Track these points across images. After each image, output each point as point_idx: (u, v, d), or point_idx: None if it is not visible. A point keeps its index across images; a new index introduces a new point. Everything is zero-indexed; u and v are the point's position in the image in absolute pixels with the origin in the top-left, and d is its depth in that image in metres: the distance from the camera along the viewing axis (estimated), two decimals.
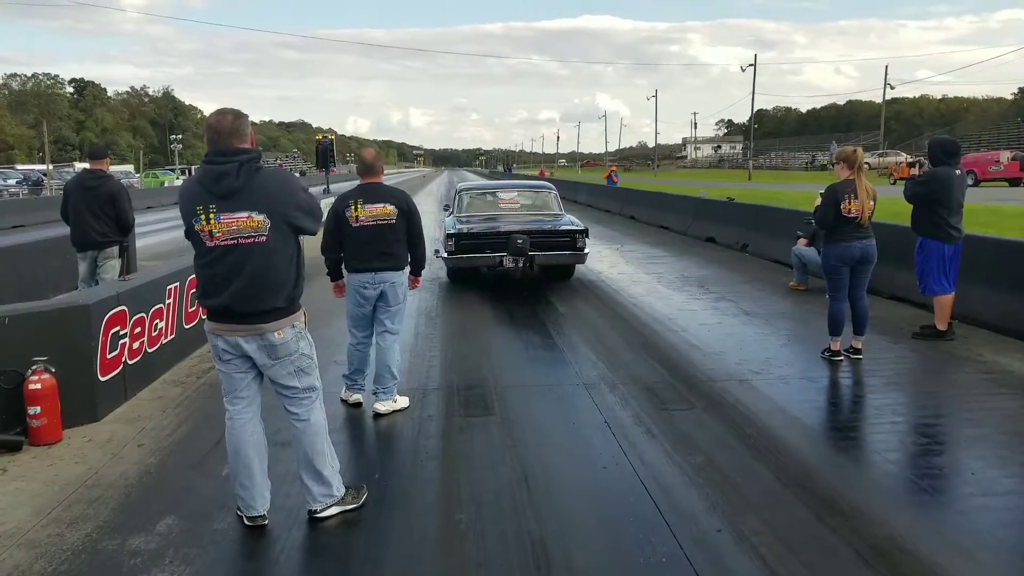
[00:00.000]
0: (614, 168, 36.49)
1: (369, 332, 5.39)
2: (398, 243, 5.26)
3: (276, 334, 3.51)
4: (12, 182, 36.83)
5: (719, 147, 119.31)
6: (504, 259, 9.67)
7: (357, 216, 5.14)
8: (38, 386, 4.66)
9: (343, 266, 5.38)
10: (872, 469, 4.37)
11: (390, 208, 5.19)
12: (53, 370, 4.76)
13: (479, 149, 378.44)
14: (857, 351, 6.48)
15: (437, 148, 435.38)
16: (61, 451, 4.65)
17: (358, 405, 5.43)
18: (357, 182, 5.34)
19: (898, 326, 7.55)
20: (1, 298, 7.12)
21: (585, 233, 10.00)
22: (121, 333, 5.45)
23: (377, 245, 5.16)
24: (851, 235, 6.27)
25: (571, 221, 10.46)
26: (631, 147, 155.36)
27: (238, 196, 3.36)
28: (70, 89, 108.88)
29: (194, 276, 3.58)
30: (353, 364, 5.42)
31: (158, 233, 17.72)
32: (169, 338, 6.32)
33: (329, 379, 5.18)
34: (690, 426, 4.99)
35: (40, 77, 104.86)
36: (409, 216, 5.28)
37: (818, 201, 7.17)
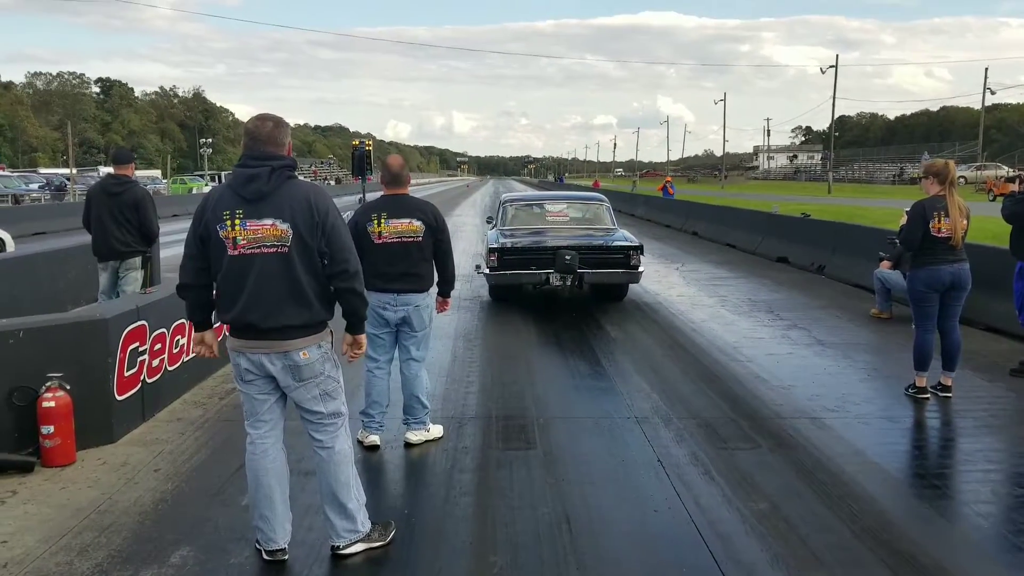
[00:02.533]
0: (669, 179, 36.22)
1: (389, 356, 5.34)
2: (424, 262, 5.21)
3: (301, 354, 3.57)
4: (34, 187, 38.17)
5: (795, 157, 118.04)
6: (551, 276, 9.69)
7: (380, 232, 5.07)
8: (52, 404, 4.81)
9: None
10: (960, 522, 4.26)
11: (416, 224, 5.13)
12: (68, 387, 4.90)
13: (528, 156, 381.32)
14: (946, 388, 6.33)
15: (482, 155, 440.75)
16: (74, 474, 4.79)
17: (374, 448, 5.25)
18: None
19: (994, 361, 7.36)
20: (18, 310, 7.39)
21: (640, 250, 9.99)
22: (140, 350, 5.60)
23: (401, 265, 5.10)
24: (941, 258, 6.13)
25: (624, 236, 10.46)
26: (696, 155, 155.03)
27: (265, 202, 3.46)
28: (96, 88, 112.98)
29: (216, 290, 3.66)
30: (370, 395, 5.28)
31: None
32: (191, 356, 6.47)
33: (356, 406, 5.24)
34: (753, 468, 4.93)
35: (66, 76, 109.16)
36: (437, 232, 5.21)
37: (903, 219, 7.06)
